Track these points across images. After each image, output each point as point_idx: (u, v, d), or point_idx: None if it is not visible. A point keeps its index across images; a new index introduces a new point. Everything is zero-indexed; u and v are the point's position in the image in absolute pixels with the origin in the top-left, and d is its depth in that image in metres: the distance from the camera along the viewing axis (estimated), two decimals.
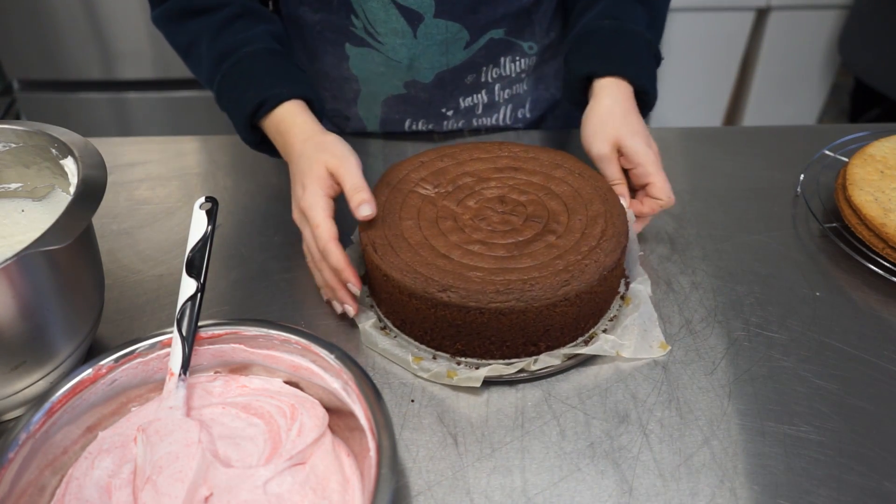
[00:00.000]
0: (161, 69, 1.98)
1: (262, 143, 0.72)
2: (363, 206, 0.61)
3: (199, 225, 0.56)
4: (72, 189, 0.54)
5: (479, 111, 0.89)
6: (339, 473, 0.48)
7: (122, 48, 1.93)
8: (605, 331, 0.62)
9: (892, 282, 0.68)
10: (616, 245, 0.61)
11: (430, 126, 0.90)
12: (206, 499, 0.45)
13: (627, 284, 0.66)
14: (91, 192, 0.52)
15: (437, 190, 0.68)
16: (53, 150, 0.59)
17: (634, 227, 0.66)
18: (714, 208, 0.78)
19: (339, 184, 0.63)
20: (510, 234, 0.62)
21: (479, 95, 0.87)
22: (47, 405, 0.47)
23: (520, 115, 0.91)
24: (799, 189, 0.80)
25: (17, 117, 2.18)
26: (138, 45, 1.93)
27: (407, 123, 0.90)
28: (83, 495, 0.46)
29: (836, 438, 0.54)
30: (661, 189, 0.66)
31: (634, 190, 0.69)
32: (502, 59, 0.85)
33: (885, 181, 0.73)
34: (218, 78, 0.71)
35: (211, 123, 2.09)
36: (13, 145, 0.61)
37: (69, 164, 0.58)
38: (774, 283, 0.68)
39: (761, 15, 2.02)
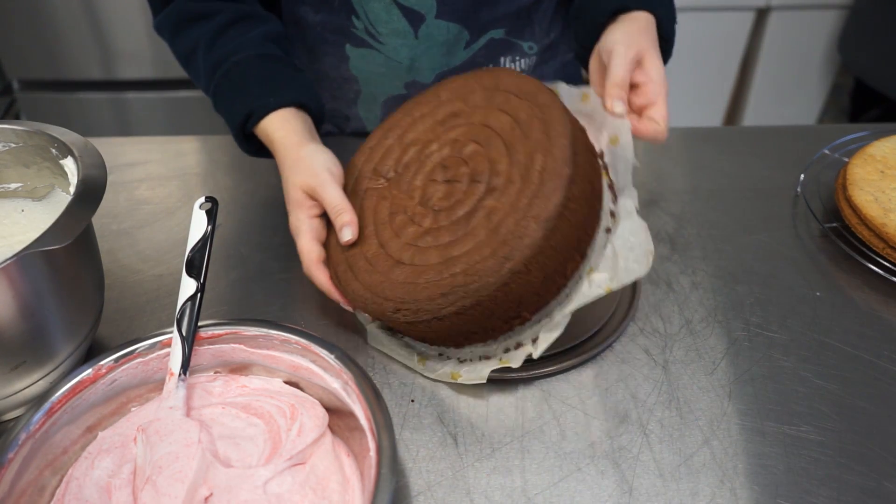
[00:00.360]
0: (161, 69, 1.97)
1: (262, 150, 0.70)
2: (345, 229, 0.59)
3: (199, 225, 0.56)
4: (72, 189, 0.54)
5: None
6: (339, 473, 0.48)
7: (122, 48, 1.93)
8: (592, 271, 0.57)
9: (892, 282, 0.68)
10: (556, 185, 0.53)
11: None
12: (206, 499, 0.45)
13: (616, 199, 0.60)
14: (91, 192, 0.52)
15: (386, 178, 0.64)
16: (53, 150, 0.59)
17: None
18: (714, 208, 0.79)
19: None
20: (454, 209, 0.58)
21: None
22: (47, 405, 0.47)
23: None
24: (799, 189, 0.80)
25: (17, 117, 2.18)
26: (138, 45, 1.93)
27: None
28: (83, 495, 0.46)
29: (836, 438, 0.54)
30: (663, 114, 0.61)
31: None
32: (502, 60, 0.85)
33: (885, 181, 0.73)
34: (212, 89, 0.70)
35: (211, 123, 2.09)
36: (13, 145, 0.61)
37: (69, 164, 0.58)
38: (774, 283, 0.68)
39: (761, 15, 2.02)
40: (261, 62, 0.69)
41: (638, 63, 0.62)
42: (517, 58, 0.85)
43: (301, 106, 0.67)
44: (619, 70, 0.60)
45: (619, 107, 0.59)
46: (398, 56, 0.81)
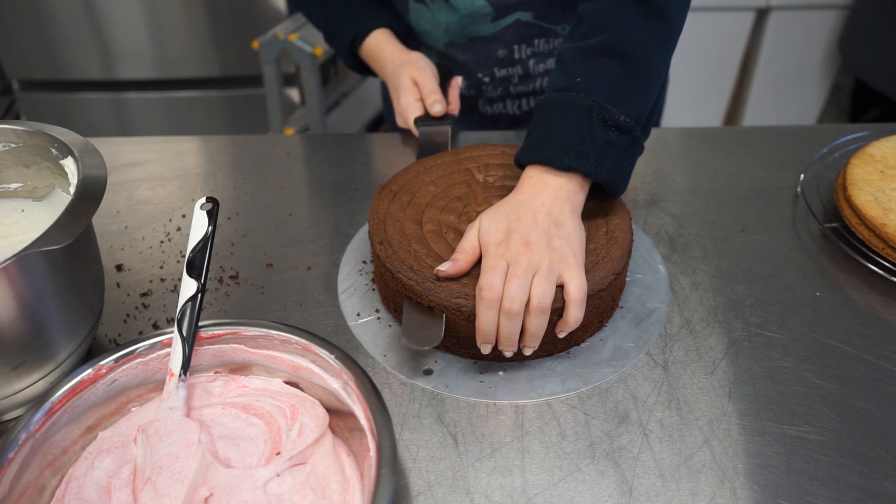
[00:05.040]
0: (161, 69, 1.98)
1: (364, 68, 0.94)
2: (435, 104, 0.81)
3: (199, 225, 0.56)
4: (72, 189, 0.54)
5: (516, 80, 0.93)
6: (339, 473, 0.48)
7: (122, 48, 1.94)
8: None
9: (892, 282, 0.68)
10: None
11: (472, 91, 0.95)
12: (206, 499, 0.45)
13: None
14: (91, 192, 0.52)
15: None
16: (53, 150, 0.59)
17: None
18: (714, 208, 0.79)
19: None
20: None
21: (514, 68, 0.92)
22: (47, 405, 0.47)
23: None
24: (799, 189, 0.80)
25: (17, 117, 2.18)
26: (138, 45, 1.93)
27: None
28: (83, 495, 0.46)
29: (836, 438, 0.54)
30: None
31: None
32: (536, 41, 0.89)
33: (885, 181, 0.73)
34: (324, 22, 0.92)
35: (211, 123, 2.09)
36: (13, 145, 0.61)
37: (69, 164, 0.58)
38: (774, 283, 0.68)
39: (761, 15, 2.02)
40: None
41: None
42: (551, 38, 0.89)
43: (391, 28, 0.89)
44: (463, 241, 0.60)
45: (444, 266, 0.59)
46: (439, 17, 0.87)
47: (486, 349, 0.57)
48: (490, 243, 0.58)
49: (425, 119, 0.82)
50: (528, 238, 0.56)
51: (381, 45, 0.88)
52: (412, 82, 0.83)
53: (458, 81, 0.87)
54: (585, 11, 0.66)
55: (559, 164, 0.60)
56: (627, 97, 0.62)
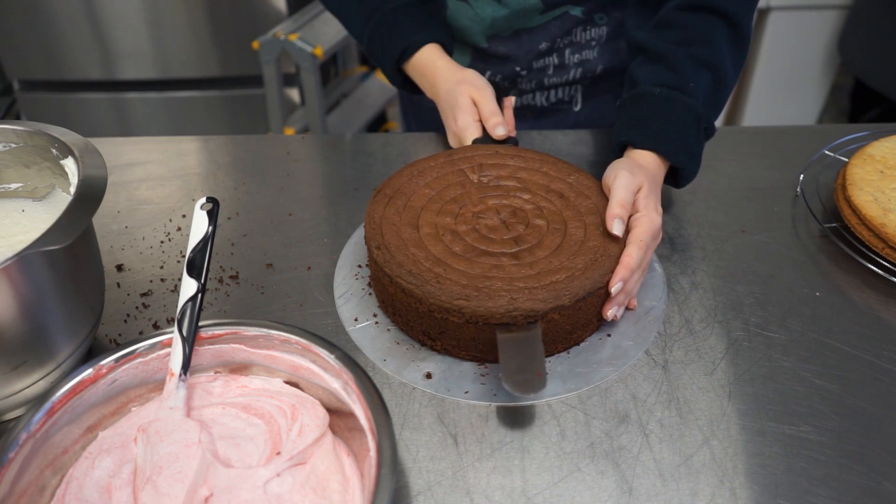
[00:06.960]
0: (161, 69, 1.98)
1: (406, 83, 0.89)
2: (498, 127, 0.77)
3: (199, 225, 0.56)
4: (72, 189, 0.54)
5: (551, 72, 0.95)
6: (339, 473, 0.48)
7: (122, 48, 1.94)
8: None
9: (892, 282, 0.68)
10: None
11: (506, 83, 0.97)
12: (206, 499, 0.45)
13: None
14: (91, 192, 0.52)
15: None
16: (53, 150, 0.59)
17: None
18: (714, 208, 0.79)
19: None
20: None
21: (551, 58, 0.93)
22: (48, 405, 0.47)
23: (589, 76, 0.96)
24: (799, 189, 0.80)
25: (17, 117, 2.19)
26: (138, 45, 1.93)
27: (487, 74, 0.96)
28: (83, 495, 0.46)
29: (836, 438, 0.54)
30: (623, 266, 0.61)
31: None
32: (574, 30, 0.91)
33: (885, 181, 0.73)
34: (367, 33, 0.87)
35: (211, 123, 2.10)
36: (13, 145, 0.61)
37: (69, 164, 0.58)
38: (774, 283, 0.68)
39: (761, 15, 2.02)
40: (409, 8, 0.86)
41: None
42: (588, 28, 0.91)
43: (441, 43, 0.86)
44: (622, 192, 0.64)
45: (617, 227, 0.62)
46: (483, 13, 0.88)
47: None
48: (652, 210, 0.65)
49: (485, 140, 0.78)
50: (659, 209, 0.66)
51: (433, 61, 0.83)
52: (471, 102, 0.79)
53: (512, 101, 0.84)
54: (682, 20, 0.74)
55: (676, 159, 0.70)
56: (715, 108, 0.73)
